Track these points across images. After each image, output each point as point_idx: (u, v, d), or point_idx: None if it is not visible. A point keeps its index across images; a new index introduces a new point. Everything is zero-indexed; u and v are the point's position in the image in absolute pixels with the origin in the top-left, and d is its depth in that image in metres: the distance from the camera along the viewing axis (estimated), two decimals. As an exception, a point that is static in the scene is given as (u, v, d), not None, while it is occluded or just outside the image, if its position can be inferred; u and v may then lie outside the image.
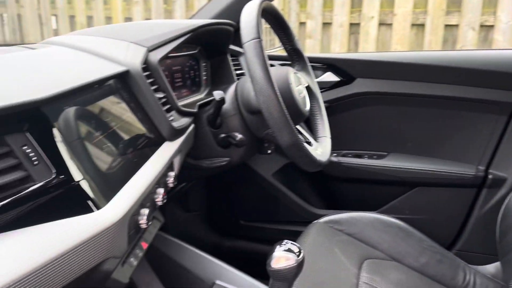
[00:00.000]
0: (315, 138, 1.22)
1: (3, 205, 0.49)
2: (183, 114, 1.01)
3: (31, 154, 0.54)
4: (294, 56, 1.26)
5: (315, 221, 1.29)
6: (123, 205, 0.63)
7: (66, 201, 0.56)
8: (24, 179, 0.53)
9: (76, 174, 0.59)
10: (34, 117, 0.57)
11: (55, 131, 0.59)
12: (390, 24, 3.29)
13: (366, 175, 1.54)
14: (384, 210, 1.53)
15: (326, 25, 3.64)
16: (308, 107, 1.14)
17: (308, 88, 1.25)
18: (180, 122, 0.97)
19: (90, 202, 0.59)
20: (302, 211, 1.61)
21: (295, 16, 3.72)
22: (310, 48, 3.73)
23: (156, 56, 0.95)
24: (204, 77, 1.31)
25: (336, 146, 1.56)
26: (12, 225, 0.49)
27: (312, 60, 1.54)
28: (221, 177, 1.65)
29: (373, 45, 3.37)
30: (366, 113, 1.56)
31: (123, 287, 0.79)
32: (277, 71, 1.08)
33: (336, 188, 1.66)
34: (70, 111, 0.64)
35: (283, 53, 1.34)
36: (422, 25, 3.20)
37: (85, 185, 0.59)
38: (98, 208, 0.59)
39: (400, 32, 3.26)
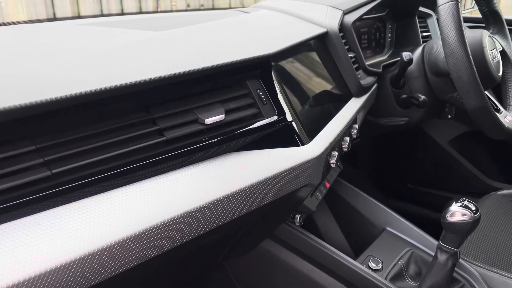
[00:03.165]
0: (505, 106, 1.17)
1: (241, 132, 0.67)
2: (369, 73, 1.10)
3: (262, 96, 0.71)
4: (490, 19, 1.20)
5: (492, 192, 1.25)
6: (322, 144, 0.76)
7: (282, 135, 0.72)
8: (256, 115, 0.70)
9: (289, 115, 0.74)
10: (265, 68, 0.73)
11: (277, 80, 0.75)
12: None
13: None
14: None
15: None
16: (501, 72, 1.09)
17: (503, 53, 1.18)
18: (366, 80, 1.06)
19: (298, 138, 0.74)
20: (477, 181, 1.55)
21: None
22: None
23: (350, 18, 1.05)
24: (389, 39, 1.35)
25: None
26: (245, 148, 0.67)
27: (512, 22, 1.42)
28: (393, 140, 1.69)
29: None
30: None
31: (308, 214, 0.95)
32: (471, 34, 1.07)
33: None
34: (288, 65, 0.80)
35: (477, 14, 1.28)
36: None
37: (295, 125, 0.74)
38: (303, 144, 0.74)
39: None
